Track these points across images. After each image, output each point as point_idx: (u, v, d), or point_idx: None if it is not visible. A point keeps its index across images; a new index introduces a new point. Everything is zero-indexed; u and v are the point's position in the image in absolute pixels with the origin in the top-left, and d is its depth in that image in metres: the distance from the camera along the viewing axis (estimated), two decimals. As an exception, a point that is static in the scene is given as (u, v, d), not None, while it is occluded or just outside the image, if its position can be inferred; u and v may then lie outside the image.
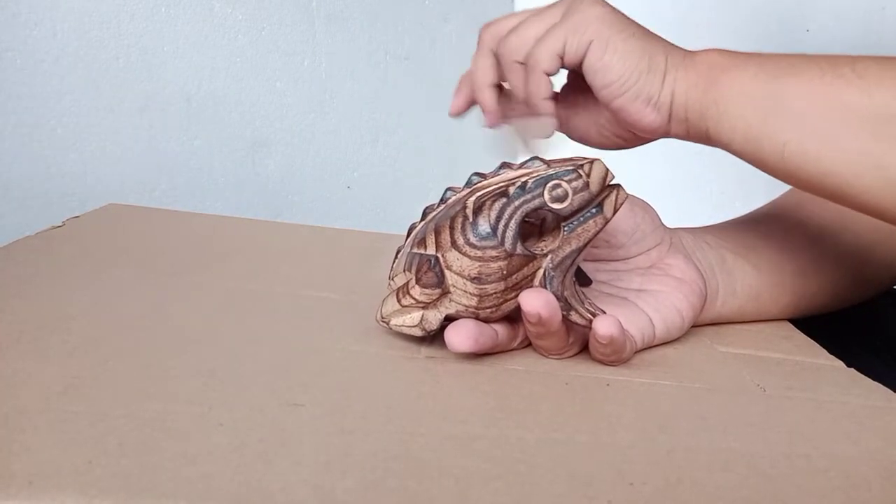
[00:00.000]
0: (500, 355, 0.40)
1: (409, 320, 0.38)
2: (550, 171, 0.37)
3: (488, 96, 0.46)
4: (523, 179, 0.37)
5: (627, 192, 0.39)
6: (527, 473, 0.28)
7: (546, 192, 0.37)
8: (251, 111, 0.97)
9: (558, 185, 0.37)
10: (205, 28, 0.92)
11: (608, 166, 0.38)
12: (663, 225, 0.44)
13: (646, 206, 0.43)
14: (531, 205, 0.37)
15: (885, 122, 0.36)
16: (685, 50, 0.42)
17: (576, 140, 0.48)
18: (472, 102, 0.47)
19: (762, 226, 0.51)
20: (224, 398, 0.31)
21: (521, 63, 0.43)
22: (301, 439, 0.29)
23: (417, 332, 0.38)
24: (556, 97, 0.46)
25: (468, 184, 0.39)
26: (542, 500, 0.26)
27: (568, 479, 0.28)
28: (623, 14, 0.43)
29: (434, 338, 0.39)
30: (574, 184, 0.37)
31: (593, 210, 0.38)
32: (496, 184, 0.38)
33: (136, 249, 0.53)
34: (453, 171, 0.51)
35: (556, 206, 0.37)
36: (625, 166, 0.49)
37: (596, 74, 0.41)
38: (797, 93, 0.38)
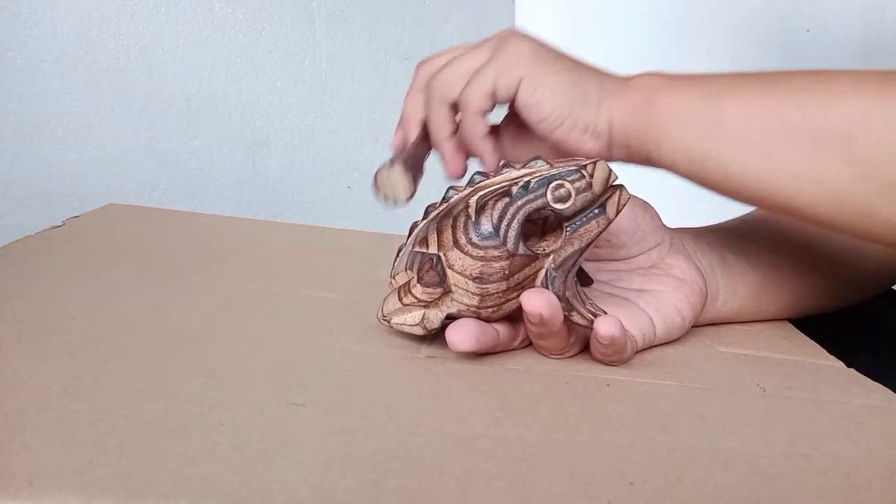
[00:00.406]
0: (500, 355, 0.40)
1: (411, 319, 0.38)
2: (553, 171, 0.37)
3: (417, 132, 0.47)
4: (526, 179, 0.37)
5: (628, 192, 0.39)
6: (527, 473, 0.28)
7: (549, 193, 0.37)
8: (251, 111, 0.97)
9: (561, 186, 0.37)
10: (205, 28, 0.92)
11: (611, 167, 0.38)
12: (664, 225, 0.44)
13: (646, 206, 0.43)
14: (534, 205, 0.37)
15: (821, 135, 0.36)
16: (620, 76, 0.43)
17: None
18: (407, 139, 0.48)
19: (762, 226, 0.51)
20: (224, 398, 0.31)
21: (454, 101, 0.44)
22: (301, 439, 0.29)
23: (418, 331, 0.38)
24: (496, 129, 0.47)
25: (471, 183, 0.39)
26: (543, 500, 0.26)
27: (568, 479, 0.28)
28: (551, 48, 0.43)
29: (434, 337, 0.39)
30: (577, 184, 0.37)
31: (596, 211, 0.38)
32: (499, 183, 0.38)
33: (136, 249, 0.53)
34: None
35: (558, 206, 0.37)
36: (625, 166, 0.49)
37: (529, 111, 0.42)
38: (734, 111, 0.38)
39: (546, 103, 0.41)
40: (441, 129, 0.45)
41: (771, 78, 0.38)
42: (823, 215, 0.37)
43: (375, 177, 0.44)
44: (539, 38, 0.44)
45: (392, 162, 0.44)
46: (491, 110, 0.44)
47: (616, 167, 0.39)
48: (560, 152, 0.44)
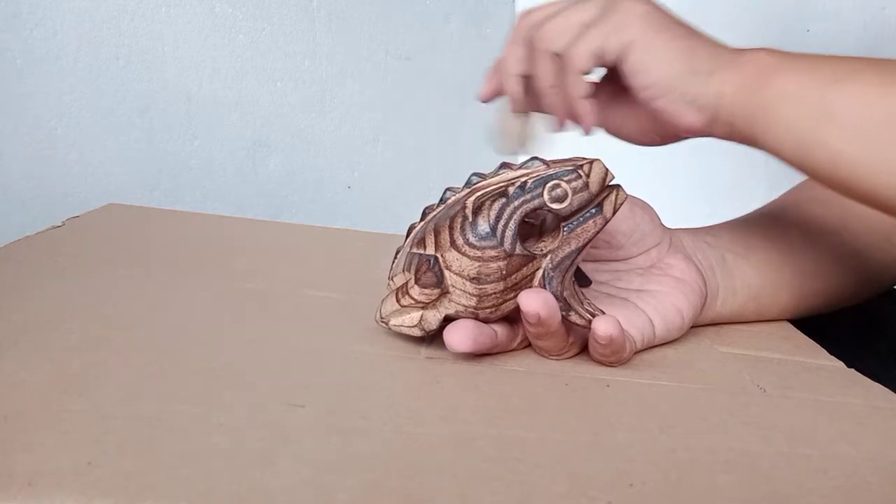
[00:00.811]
0: (499, 356, 0.40)
1: (409, 320, 0.38)
2: (550, 172, 0.37)
3: (514, 85, 0.44)
4: (523, 180, 0.37)
5: (627, 192, 0.39)
6: (527, 473, 0.28)
7: (546, 193, 0.37)
8: (251, 111, 0.97)
9: (558, 186, 0.37)
10: (205, 28, 0.92)
11: (607, 166, 0.38)
12: (663, 225, 0.44)
13: (645, 206, 0.43)
14: (531, 205, 0.37)
15: None
16: (733, 49, 0.41)
17: (611, 133, 0.47)
18: (500, 91, 0.46)
19: (762, 226, 0.51)
20: (224, 398, 0.31)
21: (556, 54, 0.42)
22: (301, 439, 0.29)
23: (416, 333, 0.38)
24: (595, 87, 0.45)
25: (468, 184, 0.39)
26: (542, 500, 0.26)
27: (568, 479, 0.28)
28: (667, 12, 0.42)
29: (434, 338, 0.39)
30: (574, 184, 0.37)
31: (593, 210, 0.38)
32: (496, 184, 0.38)
33: (136, 249, 0.53)
34: (453, 172, 0.51)
35: (555, 206, 0.37)
36: (625, 166, 0.49)
37: (636, 76, 0.41)
38: (848, 101, 0.37)
39: (654, 70, 0.40)
40: (547, 81, 0.43)
41: (886, 68, 0.37)
42: None
43: (499, 125, 0.43)
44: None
45: (516, 112, 0.43)
46: (592, 71, 0.42)
47: (614, 168, 0.39)
48: (658, 121, 0.42)
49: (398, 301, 0.39)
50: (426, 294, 0.38)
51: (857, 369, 0.42)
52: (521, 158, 0.39)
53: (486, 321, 0.38)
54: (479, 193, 0.37)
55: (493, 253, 0.36)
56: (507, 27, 1.19)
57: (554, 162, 0.38)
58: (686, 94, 0.40)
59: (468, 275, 0.36)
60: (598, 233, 0.38)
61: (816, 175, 0.39)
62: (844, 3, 1.06)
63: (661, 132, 0.44)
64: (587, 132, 0.38)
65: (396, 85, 1.08)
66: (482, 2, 1.14)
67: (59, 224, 0.56)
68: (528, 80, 0.45)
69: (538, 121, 0.44)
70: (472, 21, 1.13)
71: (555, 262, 0.38)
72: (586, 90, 0.43)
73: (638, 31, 0.40)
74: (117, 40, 0.86)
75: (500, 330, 0.39)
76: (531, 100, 0.45)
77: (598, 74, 0.45)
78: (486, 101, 0.47)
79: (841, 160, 0.37)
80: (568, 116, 0.45)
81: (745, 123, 0.40)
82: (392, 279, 0.41)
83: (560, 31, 0.42)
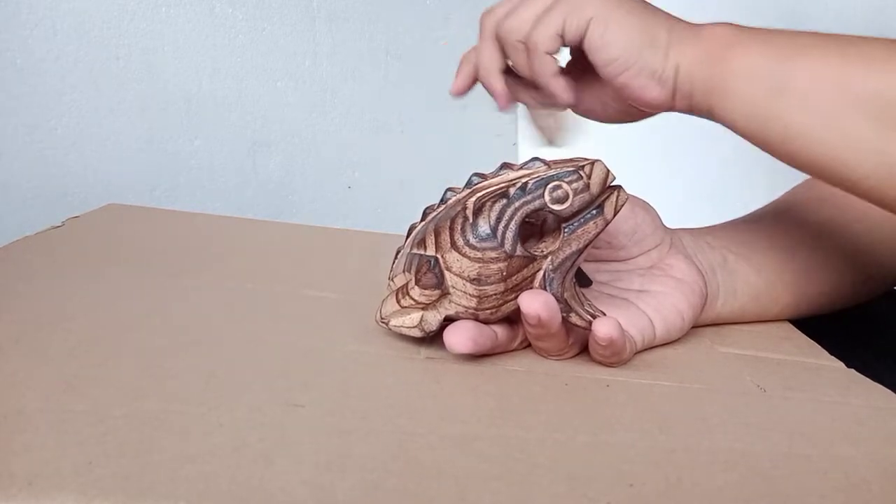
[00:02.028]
0: (499, 356, 0.40)
1: (409, 321, 0.38)
2: (551, 173, 0.37)
3: (496, 80, 0.45)
4: (524, 180, 0.37)
5: (628, 192, 0.39)
6: (526, 474, 0.28)
7: (546, 194, 0.37)
8: (251, 111, 0.97)
9: (559, 187, 0.37)
10: (205, 28, 0.92)
11: (609, 167, 0.38)
12: (664, 225, 0.44)
13: (646, 207, 0.43)
14: (531, 206, 0.37)
15: (886, 107, 0.35)
16: (690, 23, 0.42)
17: (581, 114, 0.48)
18: (473, 82, 0.47)
19: (763, 226, 0.51)
20: (224, 398, 0.31)
21: (523, 43, 0.43)
22: (301, 440, 0.29)
23: (416, 333, 0.38)
24: (560, 72, 0.45)
25: (468, 184, 0.39)
26: (542, 501, 0.26)
27: (568, 480, 0.28)
28: None
29: (434, 338, 0.39)
30: (575, 185, 0.37)
31: (594, 211, 0.38)
32: (496, 185, 0.38)
33: (136, 249, 0.53)
34: (454, 172, 0.51)
35: (556, 207, 0.37)
36: (626, 166, 0.49)
37: (597, 52, 0.41)
38: (803, 73, 0.37)
39: (614, 45, 0.40)
40: (528, 67, 0.44)
41: (845, 43, 0.37)
42: (878, 190, 0.37)
43: (531, 123, 0.43)
44: None
45: (503, 110, 0.44)
46: (557, 51, 0.43)
47: (615, 168, 0.39)
48: (624, 98, 0.43)
49: (398, 302, 0.39)
50: (426, 295, 0.38)
51: (857, 369, 0.42)
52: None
53: (486, 322, 0.38)
54: (479, 194, 0.37)
55: (493, 254, 0.36)
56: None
57: (555, 162, 0.38)
58: (646, 68, 0.41)
59: (468, 276, 0.36)
60: (598, 234, 0.38)
61: (770, 148, 0.40)
62: (847, 2, 1.06)
63: (629, 109, 0.44)
64: (566, 107, 0.39)
65: (397, 85, 1.08)
66: (482, 2, 1.14)
67: (59, 224, 0.56)
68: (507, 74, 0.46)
69: (568, 113, 0.44)
70: (472, 21, 1.13)
71: (555, 264, 0.38)
72: (555, 68, 0.43)
73: (596, 8, 0.41)
74: (117, 40, 0.86)
75: (500, 330, 0.39)
76: (514, 92, 0.46)
77: (562, 59, 0.46)
78: (459, 94, 0.48)
79: (794, 132, 0.38)
80: (547, 98, 0.45)
81: (702, 96, 0.40)
82: (392, 280, 0.41)
83: (523, 20, 0.43)
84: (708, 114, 0.41)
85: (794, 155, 0.39)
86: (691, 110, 0.42)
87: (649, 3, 0.42)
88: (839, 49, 0.37)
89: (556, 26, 0.41)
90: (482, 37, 0.46)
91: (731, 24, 0.41)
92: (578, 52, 0.43)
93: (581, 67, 0.45)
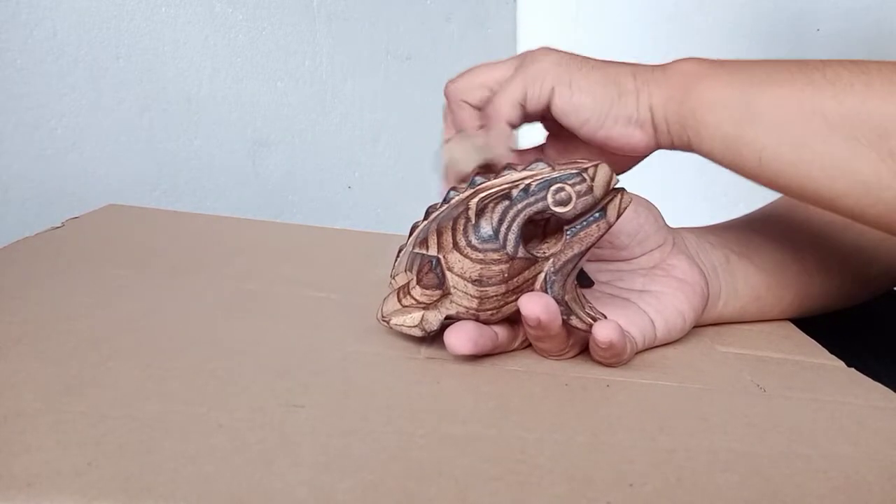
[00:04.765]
0: (500, 356, 0.40)
1: (409, 320, 0.38)
2: (555, 174, 0.37)
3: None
4: (527, 182, 0.37)
5: (631, 192, 0.39)
6: (526, 474, 0.28)
7: (549, 196, 0.37)
8: (251, 111, 0.97)
9: (562, 189, 0.37)
10: (205, 28, 0.92)
11: (612, 170, 0.38)
12: (666, 225, 0.44)
13: (650, 207, 0.43)
14: (534, 208, 0.37)
15: (856, 127, 0.36)
16: (654, 65, 0.42)
17: None
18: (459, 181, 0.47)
19: (765, 226, 0.51)
20: (224, 398, 0.31)
21: (479, 109, 0.44)
22: (300, 440, 0.29)
23: (417, 333, 0.38)
24: (542, 149, 0.47)
25: (472, 184, 0.39)
26: (542, 501, 0.26)
27: (567, 480, 0.28)
28: (575, 54, 0.43)
29: (434, 338, 0.39)
30: (578, 187, 0.37)
31: (596, 214, 0.38)
32: (500, 185, 0.38)
33: (136, 249, 0.53)
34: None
35: (559, 209, 0.37)
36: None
37: (569, 116, 0.42)
38: (770, 100, 0.38)
39: (584, 105, 0.41)
40: (467, 123, 0.45)
41: (809, 68, 0.38)
42: (855, 208, 0.37)
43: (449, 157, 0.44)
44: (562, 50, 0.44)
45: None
46: (519, 123, 0.44)
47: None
48: (610, 152, 0.43)
49: (399, 301, 0.39)
50: (427, 295, 0.38)
51: (857, 369, 0.42)
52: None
53: (486, 323, 0.38)
54: (482, 195, 0.37)
55: (495, 256, 0.36)
56: (507, 27, 1.19)
57: (559, 164, 0.38)
58: (621, 117, 0.41)
59: (470, 277, 0.36)
60: (601, 237, 0.38)
61: (747, 174, 0.40)
62: (855, 2, 1.06)
63: (620, 159, 0.45)
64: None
65: (396, 85, 1.08)
66: (483, 2, 1.14)
67: (59, 224, 0.56)
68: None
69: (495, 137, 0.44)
70: (473, 21, 1.13)
71: (557, 266, 0.37)
72: (512, 142, 0.44)
73: (555, 76, 0.42)
74: (117, 40, 0.86)
75: (500, 331, 0.39)
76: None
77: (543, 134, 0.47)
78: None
79: (767, 159, 0.38)
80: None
81: (678, 131, 0.41)
82: (394, 278, 0.41)
83: (474, 82, 0.44)
84: (688, 147, 0.42)
85: (772, 180, 0.39)
86: (674, 146, 0.43)
87: (605, 59, 0.43)
88: (805, 75, 0.38)
89: (517, 95, 0.42)
90: (446, 131, 0.47)
91: (696, 58, 0.41)
92: (554, 123, 0.44)
93: (561, 137, 0.46)
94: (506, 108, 0.43)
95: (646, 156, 0.45)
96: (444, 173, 0.44)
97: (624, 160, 0.45)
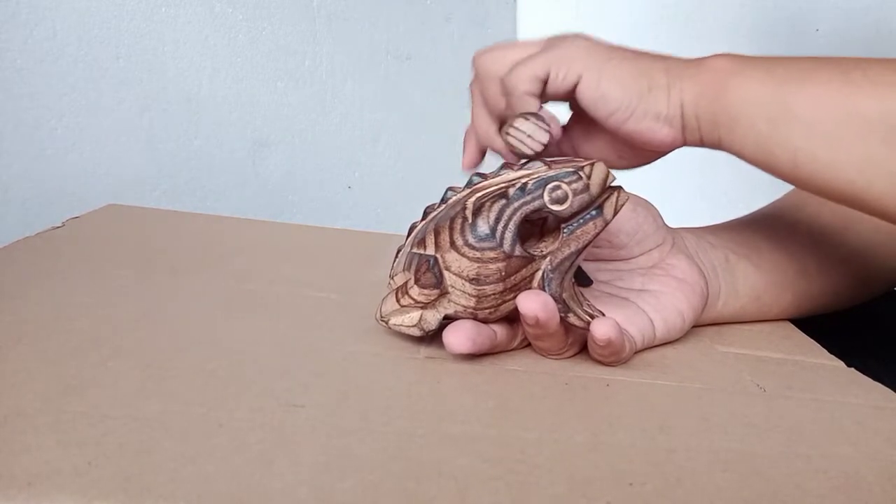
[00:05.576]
0: (499, 355, 0.40)
1: (408, 320, 0.38)
2: (551, 173, 0.37)
3: (496, 141, 0.45)
4: (523, 181, 0.37)
5: (630, 192, 0.39)
6: (526, 474, 0.28)
7: (546, 194, 0.37)
8: (251, 111, 0.97)
9: (558, 187, 0.37)
10: (205, 28, 0.92)
11: (609, 168, 0.38)
12: (666, 225, 0.44)
13: (648, 206, 0.43)
14: (531, 206, 0.37)
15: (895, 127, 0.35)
16: (687, 59, 0.41)
17: None
18: (481, 152, 0.47)
19: (765, 226, 0.51)
20: (224, 398, 0.31)
21: (499, 81, 0.43)
22: (300, 440, 0.29)
23: (416, 332, 0.38)
24: (564, 130, 0.46)
25: (469, 184, 0.39)
26: (542, 501, 0.26)
27: (567, 480, 0.28)
28: (607, 43, 0.42)
29: (434, 338, 0.39)
30: (574, 185, 0.37)
31: (593, 212, 0.38)
32: (496, 185, 0.38)
33: (136, 249, 0.53)
34: (454, 172, 0.51)
35: (555, 207, 0.37)
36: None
37: (597, 105, 0.41)
38: (807, 99, 0.37)
39: (612, 95, 0.40)
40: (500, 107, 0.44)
41: (847, 66, 0.37)
42: (892, 209, 0.36)
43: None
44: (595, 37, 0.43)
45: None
46: (539, 96, 0.42)
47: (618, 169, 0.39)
48: (633, 146, 0.43)
49: (398, 300, 0.39)
50: (426, 294, 0.38)
51: (857, 369, 0.42)
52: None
53: (485, 321, 0.38)
54: (479, 194, 0.37)
55: (492, 254, 0.36)
56: (508, 27, 1.19)
57: (555, 163, 0.38)
58: (650, 111, 0.40)
59: (467, 276, 0.36)
60: (598, 234, 0.38)
61: (779, 174, 0.40)
62: (854, 2, 1.06)
63: (644, 152, 0.44)
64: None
65: (396, 85, 1.08)
66: (483, 2, 1.14)
67: (59, 224, 0.56)
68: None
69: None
70: (473, 21, 1.13)
71: (554, 264, 0.38)
72: (536, 108, 0.43)
73: (585, 62, 0.41)
74: (117, 40, 0.86)
75: (499, 330, 0.39)
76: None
77: (566, 117, 0.46)
78: (471, 168, 0.47)
79: (802, 159, 0.38)
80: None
81: (709, 129, 0.40)
82: (393, 278, 0.41)
83: (509, 63, 0.43)
84: (718, 145, 0.41)
85: (805, 180, 0.38)
86: (702, 143, 0.42)
87: (637, 50, 0.42)
88: (842, 73, 0.37)
89: (537, 70, 0.41)
90: (474, 102, 0.46)
91: (730, 54, 0.40)
92: (579, 107, 0.43)
93: (585, 121, 0.44)
94: (524, 80, 0.41)
95: (670, 151, 0.44)
96: (511, 151, 0.43)
97: (646, 153, 0.44)
